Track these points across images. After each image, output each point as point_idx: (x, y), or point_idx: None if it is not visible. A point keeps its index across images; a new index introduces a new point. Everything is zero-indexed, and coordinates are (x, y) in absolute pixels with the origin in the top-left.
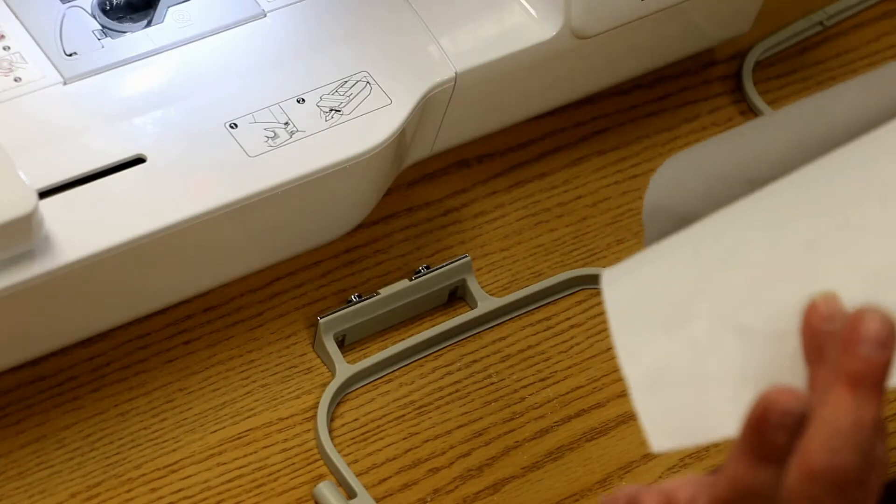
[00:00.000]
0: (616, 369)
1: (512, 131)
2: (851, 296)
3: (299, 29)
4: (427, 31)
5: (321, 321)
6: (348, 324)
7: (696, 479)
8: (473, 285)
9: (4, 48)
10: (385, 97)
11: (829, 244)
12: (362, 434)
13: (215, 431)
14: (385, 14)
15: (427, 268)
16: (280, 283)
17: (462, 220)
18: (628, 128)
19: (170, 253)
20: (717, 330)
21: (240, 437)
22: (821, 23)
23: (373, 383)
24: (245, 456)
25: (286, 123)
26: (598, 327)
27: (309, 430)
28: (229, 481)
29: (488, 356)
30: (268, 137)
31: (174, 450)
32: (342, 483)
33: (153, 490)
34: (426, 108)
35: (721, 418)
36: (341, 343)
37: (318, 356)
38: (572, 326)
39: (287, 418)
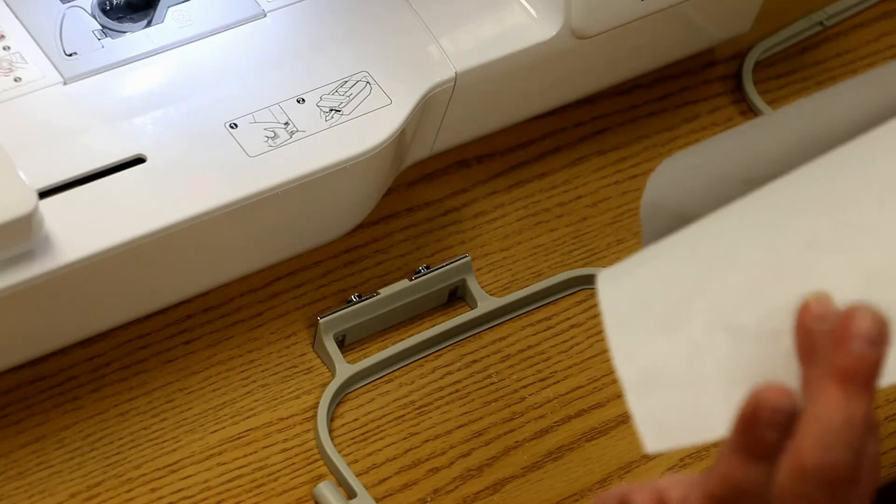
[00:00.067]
0: None
1: (512, 131)
2: (848, 295)
3: (299, 29)
4: (427, 31)
5: (321, 321)
6: (348, 324)
7: (687, 478)
8: (473, 285)
9: (4, 48)
10: (385, 97)
11: (827, 244)
12: (362, 434)
13: (215, 431)
14: (385, 14)
15: (427, 268)
16: (280, 283)
17: (462, 220)
18: (628, 128)
19: (170, 253)
20: (712, 330)
21: (240, 437)
22: (821, 23)
23: (373, 383)
24: (245, 456)
25: (286, 123)
26: (598, 327)
27: (309, 430)
28: (229, 481)
29: (488, 356)
30: (268, 137)
31: (174, 450)
32: (342, 483)
33: (153, 490)
34: (426, 108)
35: (715, 419)
36: (341, 343)
37: (318, 356)
38: (572, 326)
39: (287, 418)
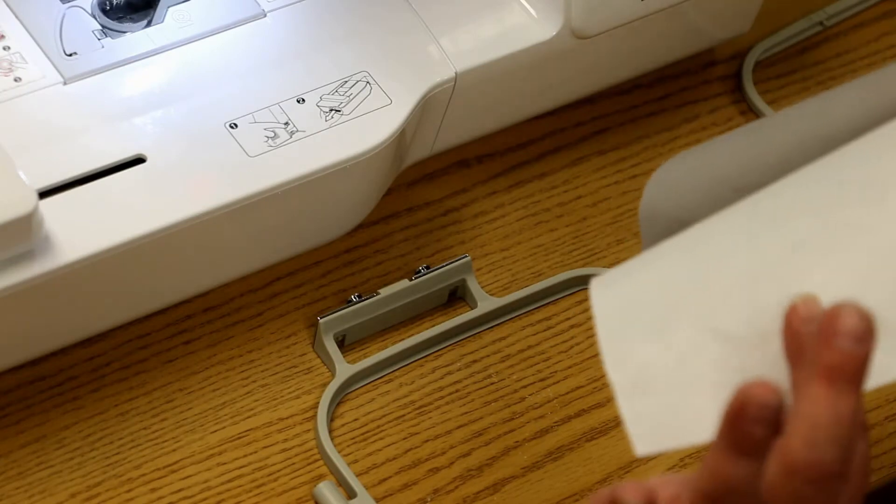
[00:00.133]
0: None
1: (512, 131)
2: (835, 297)
3: (299, 29)
4: (427, 31)
5: (321, 321)
6: (348, 324)
7: (679, 477)
8: (473, 285)
9: (4, 48)
10: (385, 97)
11: (814, 246)
12: (362, 434)
13: (215, 431)
14: (385, 14)
15: (427, 268)
16: (280, 283)
17: (462, 220)
18: (628, 128)
19: (170, 253)
20: (701, 334)
21: (240, 437)
22: (821, 23)
23: (373, 383)
24: (245, 456)
25: (286, 123)
26: None
27: (309, 430)
28: (229, 481)
29: (488, 356)
30: (268, 137)
31: (174, 450)
32: (342, 483)
33: (153, 490)
34: (426, 108)
35: (704, 422)
36: (341, 343)
37: (318, 356)
38: (572, 326)
39: (287, 418)
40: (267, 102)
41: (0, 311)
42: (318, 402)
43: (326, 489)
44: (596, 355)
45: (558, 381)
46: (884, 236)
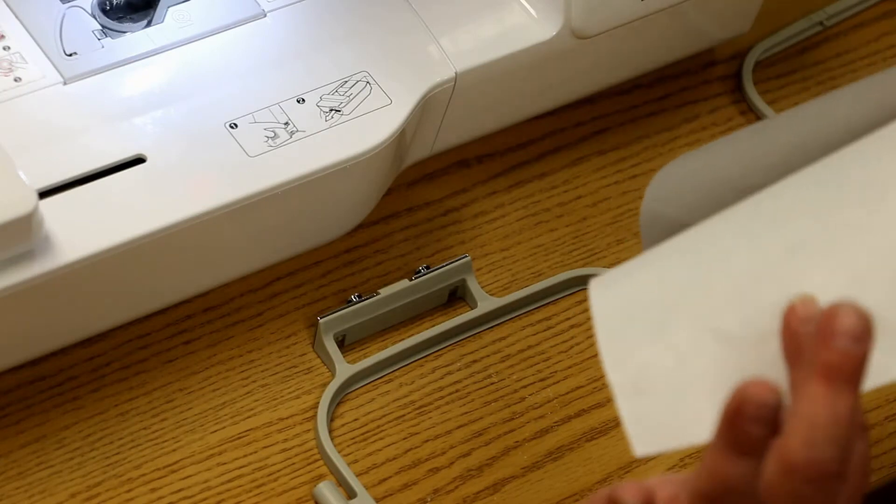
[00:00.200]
0: None
1: (512, 131)
2: (833, 297)
3: (299, 29)
4: (427, 31)
5: (321, 321)
6: (348, 324)
7: (677, 477)
8: (473, 285)
9: (4, 48)
10: (385, 97)
11: (812, 247)
12: (362, 434)
13: (215, 431)
14: (385, 14)
15: (427, 268)
16: (280, 283)
17: (462, 220)
18: (628, 128)
19: (170, 253)
20: (699, 335)
21: (240, 437)
22: (821, 23)
23: (373, 383)
24: (245, 456)
25: (286, 123)
26: None
27: (309, 430)
28: (229, 481)
29: (488, 356)
30: (268, 137)
31: (174, 450)
32: (342, 483)
33: (153, 490)
34: (426, 108)
35: (703, 422)
36: (341, 343)
37: (318, 356)
38: (572, 326)
39: (287, 418)
40: (267, 102)
41: (0, 311)
42: (318, 402)
43: (326, 489)
44: (596, 355)
45: (558, 381)
46: (883, 237)
